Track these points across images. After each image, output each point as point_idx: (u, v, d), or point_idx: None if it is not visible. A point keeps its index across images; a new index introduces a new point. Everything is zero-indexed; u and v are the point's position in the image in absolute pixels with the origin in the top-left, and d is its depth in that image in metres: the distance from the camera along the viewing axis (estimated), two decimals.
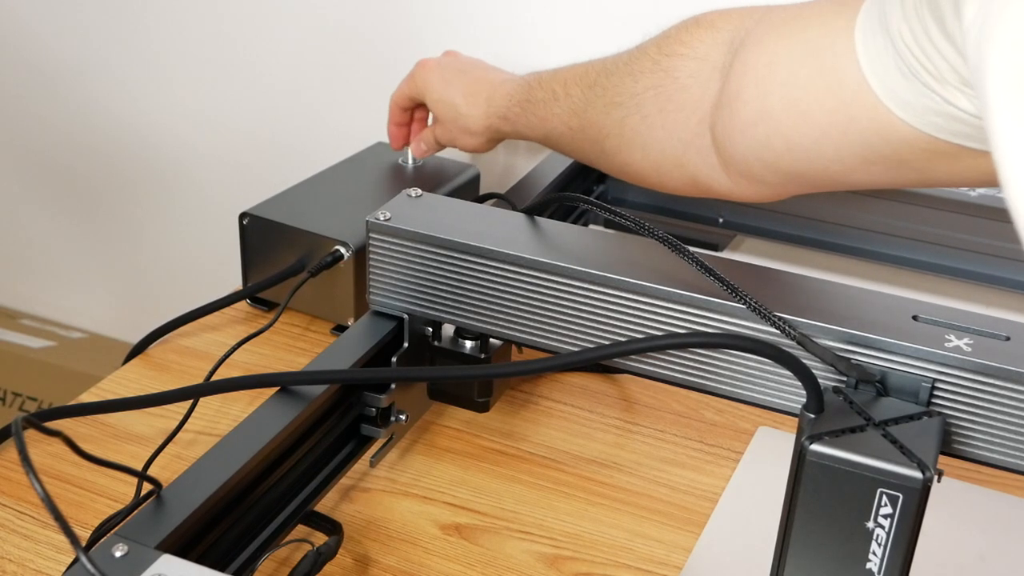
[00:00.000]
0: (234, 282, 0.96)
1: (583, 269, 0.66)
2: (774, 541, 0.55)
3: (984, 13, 0.40)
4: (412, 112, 0.97)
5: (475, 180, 1.01)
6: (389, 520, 0.72)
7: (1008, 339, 0.59)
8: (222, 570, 0.59)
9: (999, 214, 0.91)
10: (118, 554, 0.52)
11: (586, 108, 0.75)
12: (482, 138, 0.90)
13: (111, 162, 1.41)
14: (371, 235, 0.73)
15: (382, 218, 0.72)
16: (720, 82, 0.64)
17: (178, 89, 1.33)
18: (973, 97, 0.49)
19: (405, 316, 0.74)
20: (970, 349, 0.58)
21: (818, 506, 0.52)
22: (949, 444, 0.60)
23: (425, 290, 0.72)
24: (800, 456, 0.52)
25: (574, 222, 0.96)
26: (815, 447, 0.51)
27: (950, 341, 0.58)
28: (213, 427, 0.78)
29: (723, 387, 0.65)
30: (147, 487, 0.58)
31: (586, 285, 0.67)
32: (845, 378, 0.58)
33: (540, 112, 0.80)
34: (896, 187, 0.62)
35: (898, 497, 0.50)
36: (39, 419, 0.51)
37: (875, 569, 0.52)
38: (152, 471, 0.63)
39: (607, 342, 0.67)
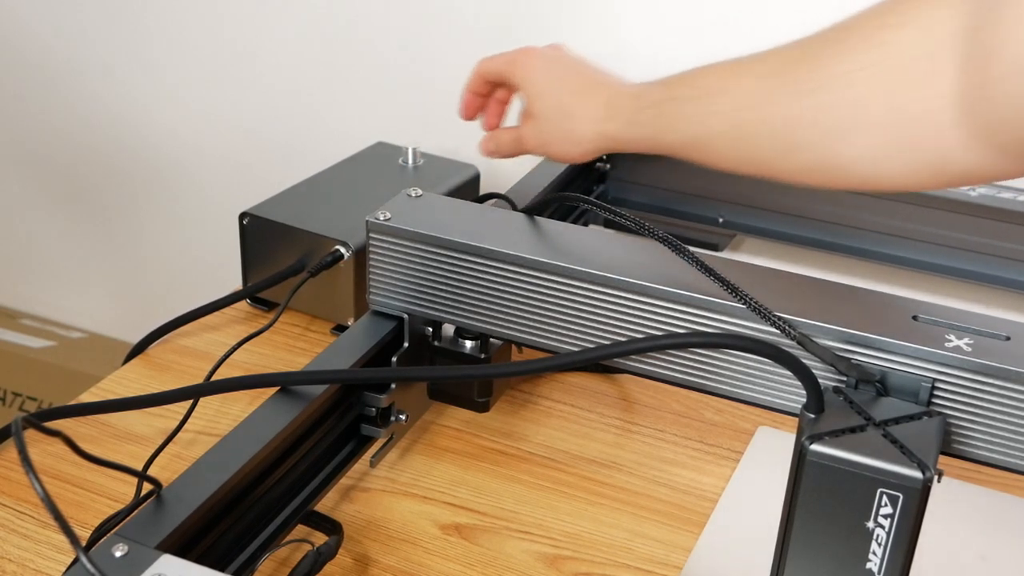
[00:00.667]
0: (234, 282, 0.96)
1: (583, 269, 0.66)
2: (774, 541, 0.55)
3: None
4: (493, 88, 0.84)
5: (475, 180, 1.01)
6: (389, 520, 0.72)
7: (1008, 339, 0.59)
8: (222, 570, 0.59)
9: (999, 214, 0.91)
10: (118, 554, 0.52)
11: (766, 100, 0.67)
12: (588, 147, 0.77)
13: (111, 162, 1.41)
14: (371, 235, 0.73)
15: (382, 218, 0.72)
16: (962, 47, 0.58)
17: (178, 89, 1.33)
18: None
19: (405, 316, 0.74)
20: (970, 349, 0.58)
21: (818, 506, 0.52)
22: (949, 444, 0.60)
23: (425, 290, 0.72)
24: (800, 456, 0.52)
25: (574, 222, 0.96)
26: (815, 447, 0.51)
27: (950, 341, 0.58)
28: (213, 427, 0.78)
29: (723, 387, 0.65)
30: (147, 487, 0.58)
31: (586, 285, 0.67)
32: (845, 378, 0.58)
33: (689, 110, 0.71)
34: None
35: (898, 497, 0.50)
36: (39, 419, 0.51)
37: (875, 569, 0.52)
38: (152, 471, 0.63)
39: (607, 342, 0.67)
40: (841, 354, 0.59)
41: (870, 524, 0.51)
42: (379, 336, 0.73)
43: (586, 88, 0.78)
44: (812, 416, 0.53)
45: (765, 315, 0.59)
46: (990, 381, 0.57)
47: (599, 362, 0.80)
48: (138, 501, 0.61)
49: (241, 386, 0.69)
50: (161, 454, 0.70)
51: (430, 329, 0.76)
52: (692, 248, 0.63)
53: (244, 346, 0.80)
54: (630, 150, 0.76)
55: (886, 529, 0.51)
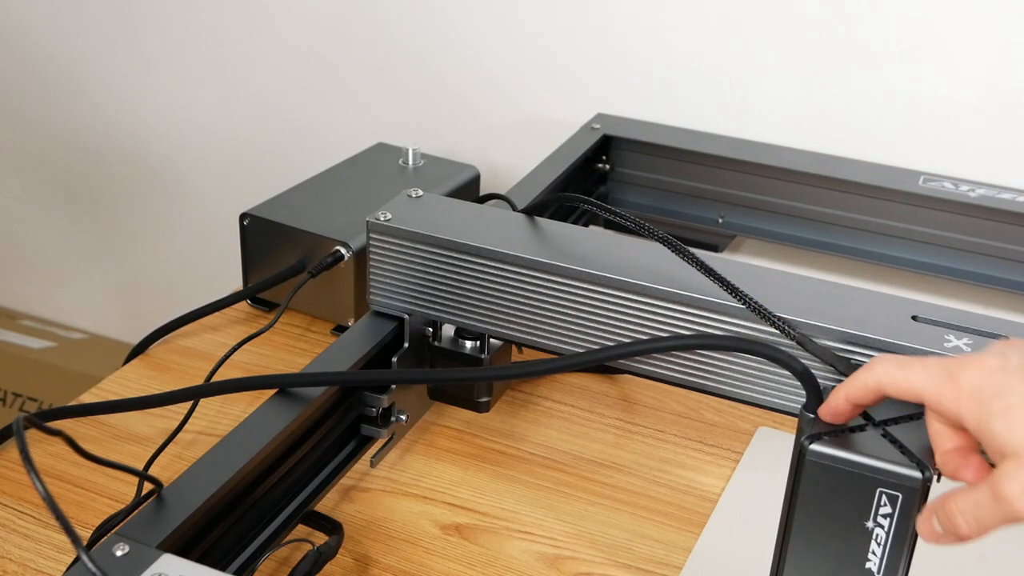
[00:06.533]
0: (234, 283, 0.96)
1: (583, 269, 0.66)
2: (774, 541, 0.55)
3: None
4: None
5: (475, 180, 1.01)
6: (389, 520, 0.72)
7: (1007, 340, 0.59)
8: (223, 570, 0.59)
9: (999, 214, 0.91)
10: (119, 553, 0.52)
11: None
12: None
13: (112, 163, 1.42)
14: (371, 235, 0.73)
15: (382, 218, 0.72)
16: None
17: (179, 90, 1.33)
18: None
19: (405, 316, 0.74)
20: (969, 349, 0.58)
21: (818, 506, 0.52)
22: None
23: (425, 290, 0.72)
24: (800, 456, 0.52)
25: (574, 222, 0.96)
26: (815, 447, 0.51)
27: (949, 341, 0.59)
28: (214, 427, 0.78)
29: (723, 387, 0.65)
30: (148, 487, 0.58)
31: (586, 285, 0.67)
32: (845, 378, 0.58)
33: None
34: None
35: (897, 497, 0.50)
36: (40, 419, 0.51)
37: (875, 569, 0.52)
38: (152, 471, 0.63)
39: (607, 342, 0.67)
40: (841, 354, 0.59)
41: (869, 524, 0.51)
42: (379, 336, 0.73)
43: None
44: (812, 416, 0.54)
45: (765, 315, 0.59)
46: None
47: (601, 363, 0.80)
48: (139, 501, 0.61)
49: (241, 387, 0.69)
50: (162, 454, 0.70)
51: (430, 329, 0.76)
52: (692, 249, 0.63)
53: (244, 346, 0.80)
54: None
55: (885, 529, 0.51)
